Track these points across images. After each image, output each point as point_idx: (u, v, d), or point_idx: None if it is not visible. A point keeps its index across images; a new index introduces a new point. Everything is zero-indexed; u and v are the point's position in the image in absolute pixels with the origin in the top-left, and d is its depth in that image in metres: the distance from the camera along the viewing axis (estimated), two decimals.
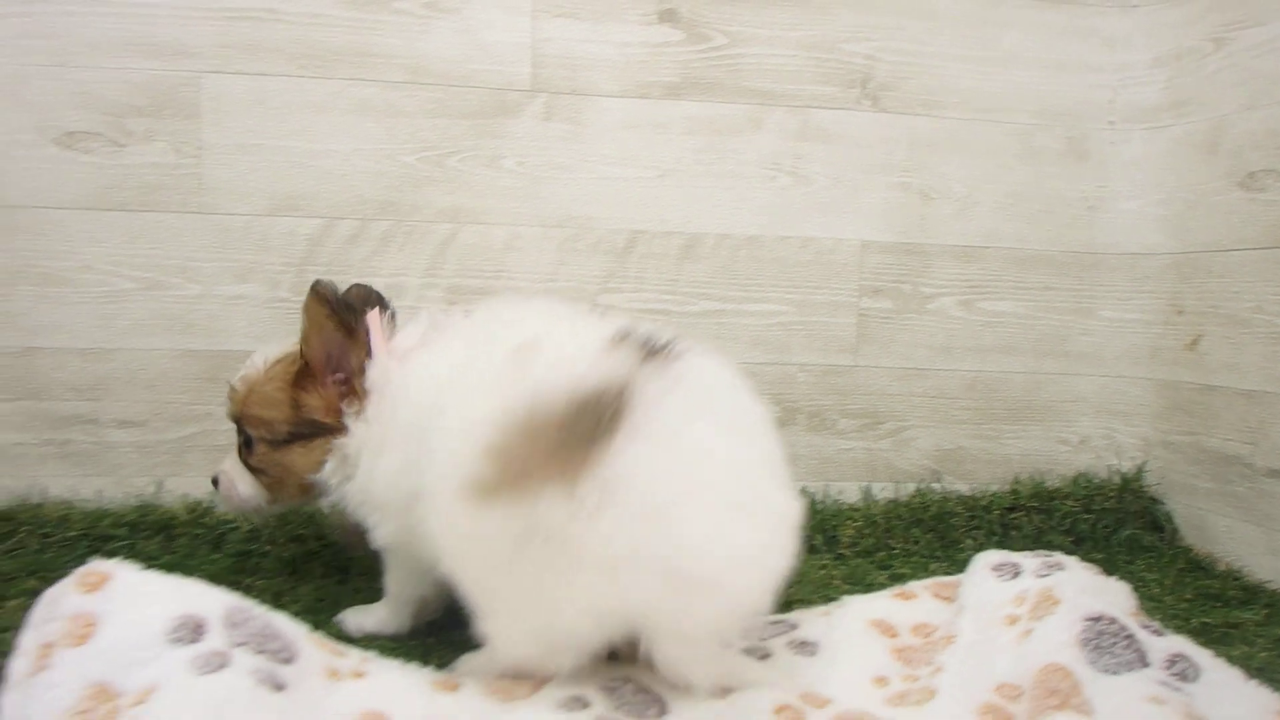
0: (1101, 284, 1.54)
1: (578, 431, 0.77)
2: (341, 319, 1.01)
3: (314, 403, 1.03)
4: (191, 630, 0.78)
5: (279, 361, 1.06)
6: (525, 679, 0.87)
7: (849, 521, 1.46)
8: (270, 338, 1.14)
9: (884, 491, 1.51)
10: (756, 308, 1.47)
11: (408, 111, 1.38)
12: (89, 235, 1.35)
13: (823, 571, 1.35)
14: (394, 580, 1.07)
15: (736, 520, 0.80)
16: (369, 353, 1.02)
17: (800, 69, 1.45)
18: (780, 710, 0.81)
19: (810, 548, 1.42)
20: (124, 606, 0.79)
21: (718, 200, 1.45)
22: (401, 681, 0.86)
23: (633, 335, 0.86)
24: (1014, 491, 1.52)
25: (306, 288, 1.36)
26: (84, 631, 0.77)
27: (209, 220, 1.36)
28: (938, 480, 1.53)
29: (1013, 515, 1.50)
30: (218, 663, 0.75)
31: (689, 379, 0.84)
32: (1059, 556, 1.00)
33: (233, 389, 1.07)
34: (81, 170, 1.34)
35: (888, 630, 0.96)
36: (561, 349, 0.84)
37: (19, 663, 0.74)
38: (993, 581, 0.97)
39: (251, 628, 0.80)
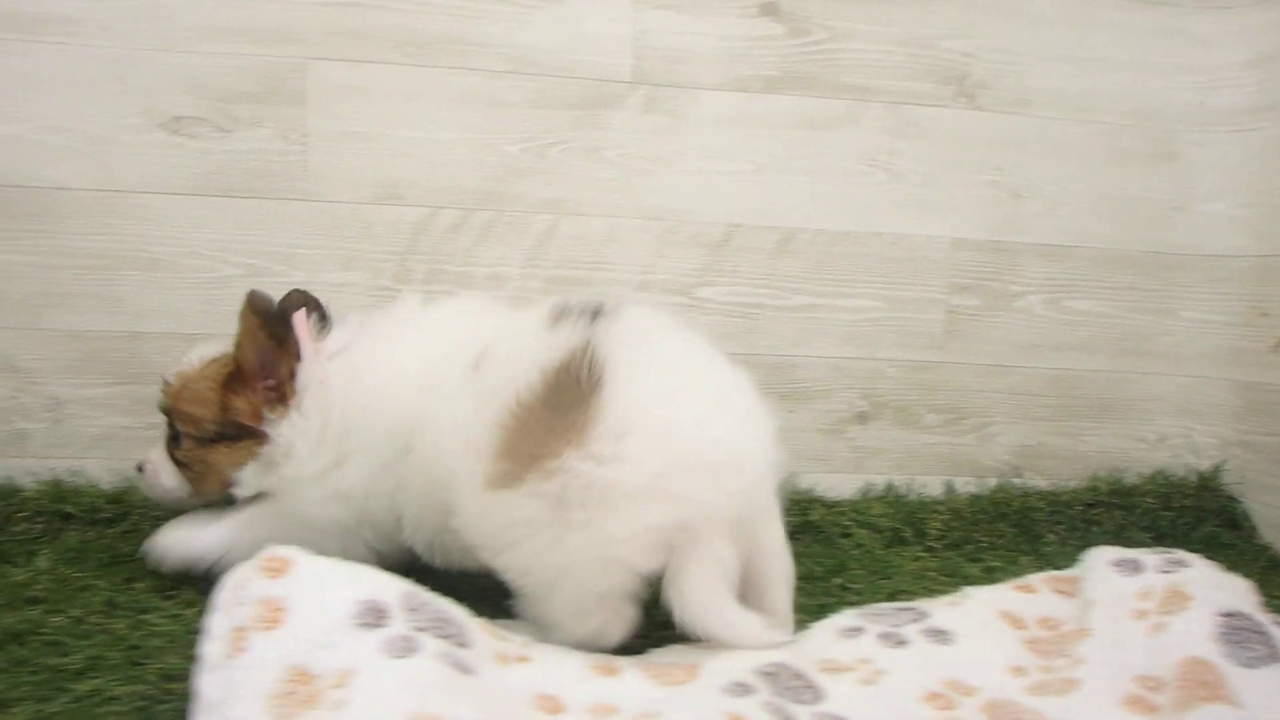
0: (1184, 285, 1.56)
1: (565, 399, 0.87)
2: (272, 329, 1.05)
3: (241, 406, 1.06)
4: (375, 615, 0.80)
5: (214, 361, 1.09)
6: (677, 667, 0.90)
7: (935, 515, 1.49)
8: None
9: (966, 486, 1.53)
10: (848, 303, 1.49)
11: (510, 101, 1.40)
12: (194, 221, 1.36)
13: (917, 564, 1.38)
14: (264, 535, 1.05)
15: (731, 410, 0.94)
16: (299, 357, 1.06)
17: (898, 65, 1.46)
18: (931, 698, 0.84)
19: (899, 539, 1.46)
20: (308, 592, 0.81)
21: (813, 195, 1.47)
22: (563, 666, 0.87)
23: (568, 307, 0.95)
24: (1093, 488, 1.55)
25: (409, 277, 1.41)
26: (274, 616, 0.78)
27: (313, 207, 1.38)
28: (1018, 475, 1.55)
29: (1093, 511, 1.53)
30: (405, 647, 0.77)
31: (638, 324, 0.94)
32: (1181, 554, 1.02)
33: (166, 382, 1.10)
34: (188, 156, 1.35)
35: (1016, 622, 0.98)
36: (516, 340, 0.95)
37: (214, 646, 0.76)
38: (1115, 577, 1.00)
39: (428, 613, 0.82)
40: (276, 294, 1.38)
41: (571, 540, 0.87)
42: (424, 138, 1.38)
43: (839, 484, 1.50)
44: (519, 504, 0.88)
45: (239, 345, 1.07)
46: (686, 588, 0.88)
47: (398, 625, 0.80)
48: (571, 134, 1.41)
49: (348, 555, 0.93)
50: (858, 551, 1.42)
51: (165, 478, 1.11)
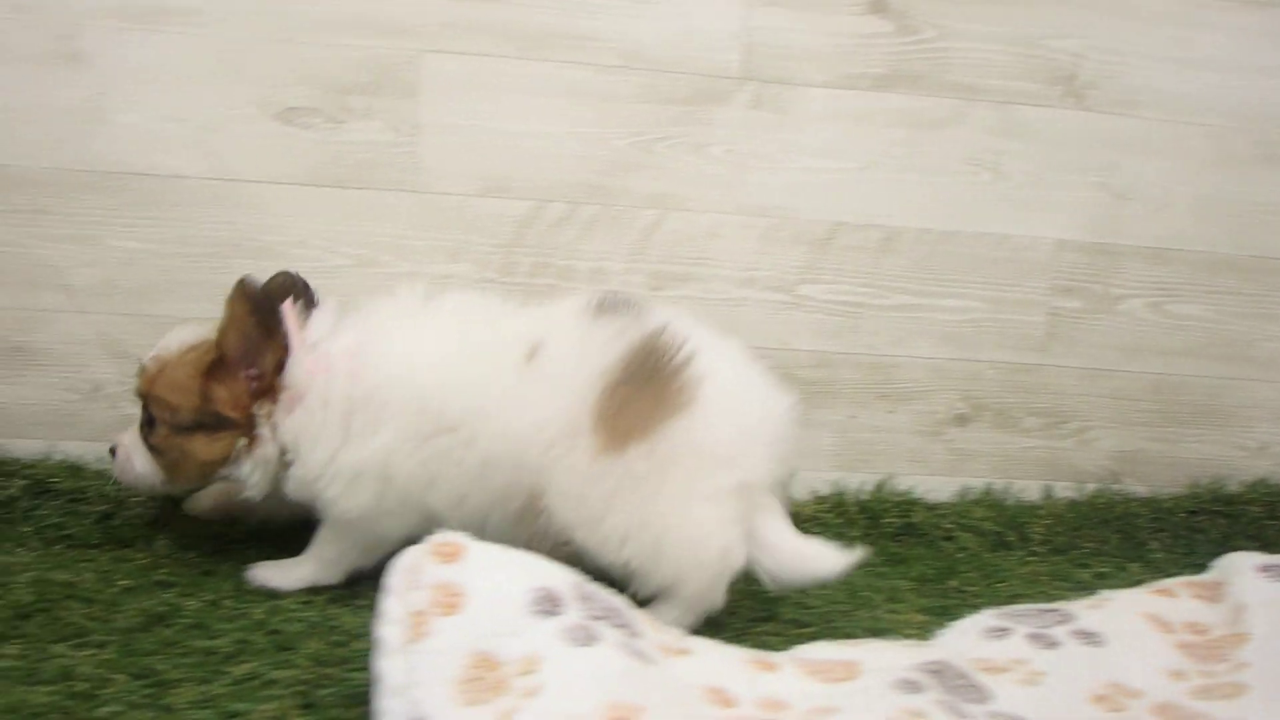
0: None
1: (654, 377, 0.99)
2: (261, 319, 1.03)
3: (222, 395, 1.04)
4: (550, 603, 0.80)
5: (194, 348, 1.06)
6: (834, 664, 0.89)
7: (1036, 519, 1.47)
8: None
9: (1065, 491, 1.52)
10: (950, 303, 1.48)
11: (619, 96, 1.40)
12: (305, 211, 1.37)
13: (1026, 568, 1.36)
14: (335, 549, 1.09)
15: (775, 387, 1.06)
16: (287, 348, 1.04)
17: (1006, 64, 1.45)
18: (1098, 700, 0.83)
19: (1003, 544, 1.44)
20: (483, 578, 0.81)
21: (918, 194, 1.46)
22: (723, 660, 0.87)
23: (607, 300, 1.05)
24: (1193, 495, 1.52)
25: (515, 269, 1.41)
26: (453, 601, 0.78)
27: (422, 199, 1.38)
28: (1116, 481, 1.53)
29: (1196, 519, 1.50)
30: (586, 635, 0.77)
31: (680, 316, 1.06)
32: None
33: (143, 366, 1.07)
34: (300, 146, 1.36)
35: (1163, 626, 0.96)
36: (572, 331, 1.03)
37: (393, 630, 0.75)
38: (1265, 582, 0.98)
39: (598, 602, 0.82)
40: (383, 285, 1.40)
41: (668, 502, 0.98)
42: (533, 131, 1.38)
43: (936, 486, 1.49)
44: (623, 471, 0.98)
45: (223, 332, 1.04)
46: (765, 534, 1.03)
47: (573, 614, 0.80)
48: (678, 129, 1.41)
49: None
50: (963, 555, 1.41)
51: (138, 463, 1.08)
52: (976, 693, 0.84)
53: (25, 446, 1.35)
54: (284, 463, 1.06)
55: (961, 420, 1.50)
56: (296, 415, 1.04)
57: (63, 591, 1.06)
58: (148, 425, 1.08)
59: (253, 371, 1.04)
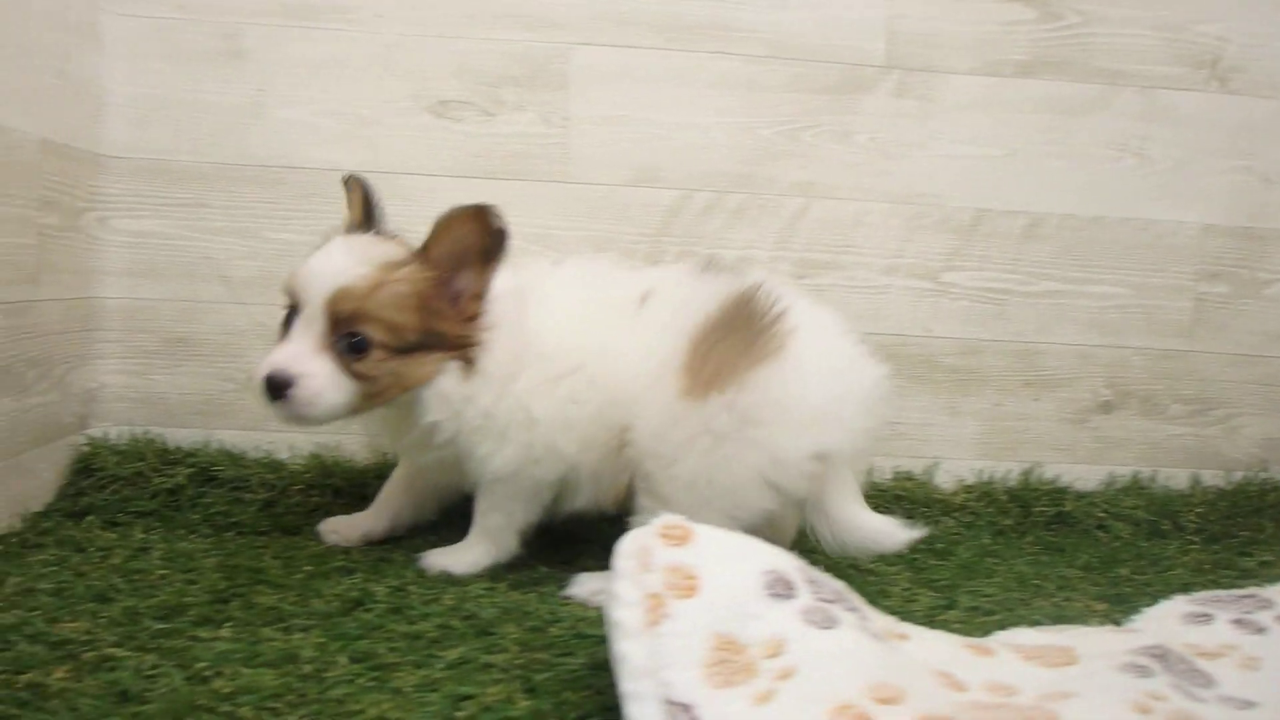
0: None
1: (747, 328, 0.97)
2: (490, 245, 0.97)
3: (448, 313, 0.98)
4: (784, 586, 0.76)
5: (397, 264, 0.97)
6: (1050, 649, 0.84)
7: (1187, 508, 1.40)
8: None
9: (1213, 479, 1.44)
10: (1095, 289, 1.42)
11: (766, 86, 1.35)
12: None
13: (1189, 557, 1.29)
14: (498, 514, 1.05)
15: (865, 358, 1.04)
16: (488, 284, 0.99)
17: (1150, 49, 1.39)
18: None
19: (1157, 532, 1.36)
20: (716, 561, 0.77)
21: (1062, 180, 1.40)
22: (939, 644, 0.84)
23: (711, 261, 1.07)
24: None
25: (662, 258, 1.37)
26: (689, 584, 0.74)
27: (571, 190, 1.35)
28: (1264, 469, 1.46)
29: None
30: (824, 618, 0.74)
31: (777, 281, 1.04)
32: None
33: (346, 287, 0.93)
34: (453, 138, 1.33)
35: None
36: (679, 283, 1.03)
37: (629, 613, 0.72)
38: None
39: (826, 585, 0.79)
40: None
41: (743, 457, 0.96)
42: (682, 121, 1.35)
43: (1083, 474, 1.42)
44: (706, 414, 0.96)
45: (440, 247, 0.97)
46: (835, 506, 1.02)
47: (805, 597, 0.76)
48: (824, 118, 1.36)
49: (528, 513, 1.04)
50: (1119, 544, 1.34)
51: (333, 393, 0.94)
52: (1201, 678, 0.78)
53: (185, 435, 1.32)
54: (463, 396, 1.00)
55: (1107, 407, 1.43)
56: (487, 350, 0.99)
57: (251, 577, 1.03)
58: (350, 351, 0.95)
59: (454, 293, 0.99)
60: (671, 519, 0.80)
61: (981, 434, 1.42)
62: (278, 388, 0.93)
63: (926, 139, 1.37)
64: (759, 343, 0.96)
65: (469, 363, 0.99)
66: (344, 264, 0.95)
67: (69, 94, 1.22)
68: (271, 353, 0.95)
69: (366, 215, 1.04)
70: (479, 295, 0.99)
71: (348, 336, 0.95)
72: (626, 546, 0.78)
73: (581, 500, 1.06)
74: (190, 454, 1.31)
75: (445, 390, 0.99)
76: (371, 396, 0.98)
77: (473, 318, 0.99)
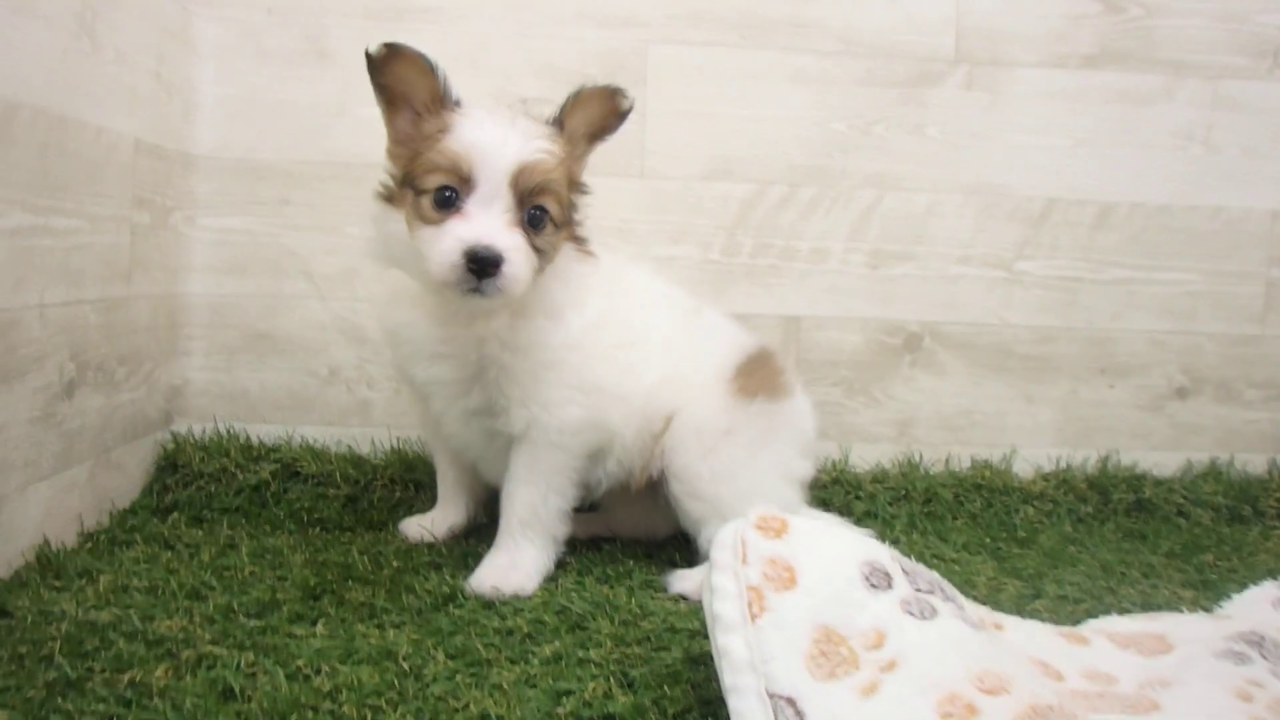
0: None
1: (771, 367, 1.03)
2: (608, 129, 0.94)
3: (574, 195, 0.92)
4: (881, 576, 0.69)
5: (551, 137, 0.88)
6: (1145, 636, 0.76)
7: (1266, 493, 1.28)
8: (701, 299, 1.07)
9: None
10: (1166, 276, 1.31)
11: (839, 80, 1.26)
12: None
13: (1271, 542, 1.17)
14: (538, 489, 0.92)
15: None
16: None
17: (1213, 39, 1.29)
18: None
19: (1238, 517, 1.24)
20: (812, 552, 0.69)
21: (1130, 169, 1.30)
22: (1034, 633, 0.77)
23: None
24: None
25: (738, 250, 1.26)
26: (787, 575, 0.67)
27: (647, 184, 1.25)
28: None
29: None
30: (923, 608, 0.66)
31: None
32: None
33: (531, 162, 0.83)
34: None
35: None
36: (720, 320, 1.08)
37: (730, 605, 0.64)
38: None
39: (921, 575, 0.71)
40: None
41: (764, 465, 0.98)
42: (756, 116, 1.25)
43: (1160, 461, 1.30)
44: (751, 410, 0.98)
45: (576, 126, 0.91)
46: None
47: (903, 587, 0.69)
48: (896, 111, 1.27)
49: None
50: (1200, 530, 1.22)
51: (528, 269, 0.84)
52: None
53: (268, 431, 1.22)
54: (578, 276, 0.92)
55: (1182, 394, 1.32)
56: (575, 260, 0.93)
57: (341, 573, 0.94)
58: (533, 224, 0.85)
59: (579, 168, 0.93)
60: (767, 510, 0.72)
61: (1057, 422, 1.30)
62: (489, 264, 0.81)
63: (995, 130, 1.28)
64: (782, 381, 1.03)
65: (579, 242, 0.94)
66: (522, 139, 0.84)
67: (161, 95, 1.13)
68: (451, 227, 0.81)
69: (444, 85, 0.90)
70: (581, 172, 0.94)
71: (532, 210, 0.85)
72: (724, 538, 0.70)
73: (599, 478, 0.98)
74: (273, 450, 1.20)
75: (566, 268, 0.91)
76: (537, 270, 0.88)
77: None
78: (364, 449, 1.22)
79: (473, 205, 0.82)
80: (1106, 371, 1.31)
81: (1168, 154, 1.30)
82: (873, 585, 0.67)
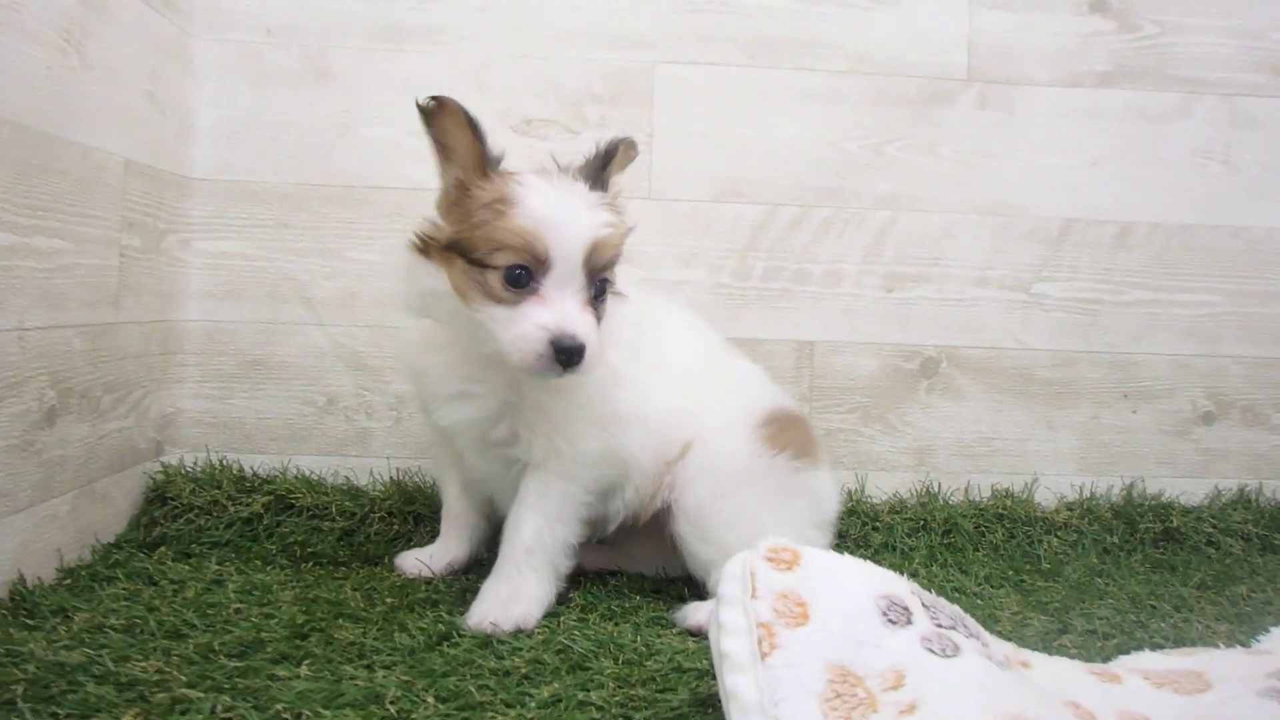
0: None
1: (805, 431, 0.99)
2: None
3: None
4: (900, 611, 0.63)
5: (612, 207, 0.86)
6: (1181, 674, 0.71)
7: None
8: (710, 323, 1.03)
9: None
10: (1189, 298, 1.25)
11: (850, 100, 1.22)
12: None
13: None
14: (546, 516, 0.86)
15: None
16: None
17: (1229, 57, 1.25)
18: None
19: (1270, 547, 1.18)
20: (826, 585, 0.64)
21: (1149, 188, 1.25)
22: (1062, 671, 0.71)
23: None
24: None
25: (749, 273, 1.21)
26: (798, 611, 0.61)
27: (656, 206, 1.20)
28: None
29: None
30: (945, 645, 0.60)
31: None
32: None
33: (603, 240, 0.81)
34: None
35: None
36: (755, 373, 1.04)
37: (738, 642, 0.58)
38: None
39: (943, 609, 0.66)
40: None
41: (789, 511, 0.93)
42: (766, 136, 1.21)
43: (1188, 489, 1.24)
44: (777, 463, 0.92)
45: (611, 183, 0.89)
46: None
47: (923, 622, 0.64)
48: (908, 130, 1.22)
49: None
50: (1231, 560, 1.16)
51: (601, 347, 0.81)
52: None
53: (262, 462, 1.16)
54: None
55: (1208, 418, 1.25)
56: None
57: (331, 610, 0.87)
58: (598, 298, 0.83)
59: None
60: (777, 541, 0.66)
61: (1080, 448, 1.24)
62: (577, 354, 0.79)
63: (1010, 150, 1.23)
64: (813, 447, 0.99)
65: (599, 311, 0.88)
66: (590, 214, 0.82)
67: (155, 116, 1.09)
68: (530, 312, 0.79)
69: (486, 145, 0.87)
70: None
71: (599, 283, 0.84)
72: (732, 570, 0.64)
73: (617, 509, 0.92)
74: (267, 481, 1.14)
75: (606, 314, 0.87)
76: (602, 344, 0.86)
77: None
78: (362, 480, 1.16)
79: (549, 287, 0.79)
80: (1129, 396, 1.25)
81: (1187, 172, 1.25)
82: (891, 621, 0.62)
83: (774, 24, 1.21)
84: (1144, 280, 1.25)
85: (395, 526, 1.11)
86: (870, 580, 0.65)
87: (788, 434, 0.95)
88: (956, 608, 0.68)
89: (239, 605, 0.86)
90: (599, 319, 0.83)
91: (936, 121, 1.23)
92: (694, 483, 0.90)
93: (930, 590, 0.73)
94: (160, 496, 1.11)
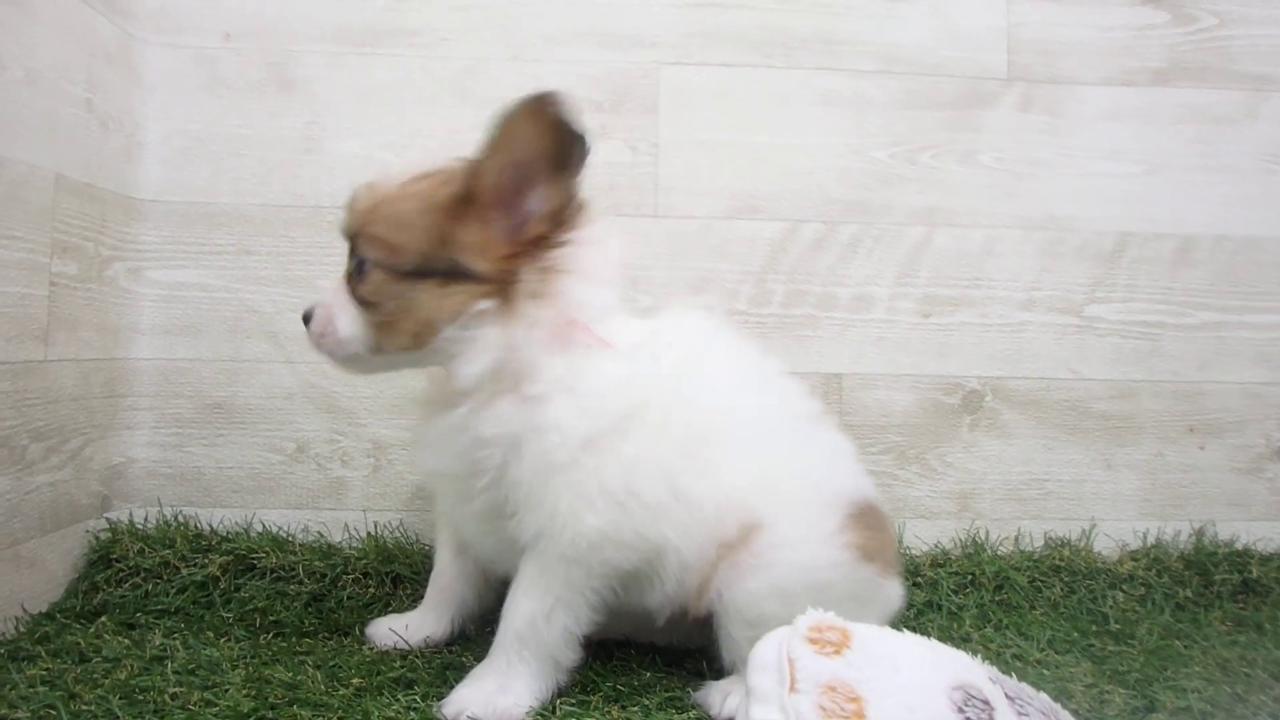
0: None
1: (886, 533, 0.81)
2: (560, 145, 0.66)
3: (469, 238, 0.68)
4: (980, 706, 0.50)
5: (425, 178, 0.72)
6: None
7: None
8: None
9: None
10: (1258, 319, 1.10)
11: (878, 102, 1.07)
12: None
13: None
14: (543, 606, 0.70)
15: None
16: (575, 199, 0.69)
17: None
18: None
19: None
20: (885, 675, 0.50)
21: (1212, 197, 1.10)
22: None
23: None
24: None
25: (768, 299, 1.05)
26: (852, 708, 0.48)
27: (663, 224, 1.05)
28: None
29: None
30: None
31: None
32: None
33: (353, 199, 0.73)
34: None
35: None
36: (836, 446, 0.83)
37: None
38: None
39: (1030, 700, 0.53)
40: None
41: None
42: (785, 144, 1.06)
43: (1264, 533, 1.08)
44: (862, 574, 0.75)
45: (486, 156, 0.68)
46: None
47: (1007, 716, 0.50)
48: (944, 136, 1.07)
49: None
50: None
51: (344, 323, 0.73)
52: None
53: (223, 516, 1.00)
54: (515, 380, 0.69)
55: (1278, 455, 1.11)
56: (561, 291, 0.69)
57: (286, 695, 0.72)
58: (356, 273, 0.72)
59: (517, 218, 0.69)
60: (821, 616, 0.51)
61: (1142, 490, 1.08)
62: (305, 320, 0.77)
63: (1058, 156, 1.08)
64: (895, 555, 0.83)
65: (505, 304, 0.68)
66: (371, 181, 0.74)
67: (95, 128, 0.94)
68: None
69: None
70: (554, 217, 0.69)
71: (355, 258, 0.73)
72: (764, 656, 0.51)
73: (659, 602, 0.74)
74: (227, 539, 0.99)
75: (475, 333, 0.68)
76: (383, 327, 0.72)
77: (523, 249, 0.69)
78: (336, 536, 1.01)
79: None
80: (1196, 430, 1.09)
81: (1253, 179, 1.10)
82: (968, 718, 0.48)
83: (792, 19, 1.06)
84: (1209, 300, 1.09)
85: (371, 589, 0.96)
86: (940, 665, 0.51)
87: (877, 541, 0.78)
88: (1044, 696, 0.54)
89: (178, 689, 0.71)
90: (360, 300, 0.72)
91: (975, 126, 1.08)
92: (759, 589, 0.71)
93: (985, 659, 0.59)
94: (104, 558, 0.95)
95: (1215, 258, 1.10)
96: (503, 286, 0.68)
